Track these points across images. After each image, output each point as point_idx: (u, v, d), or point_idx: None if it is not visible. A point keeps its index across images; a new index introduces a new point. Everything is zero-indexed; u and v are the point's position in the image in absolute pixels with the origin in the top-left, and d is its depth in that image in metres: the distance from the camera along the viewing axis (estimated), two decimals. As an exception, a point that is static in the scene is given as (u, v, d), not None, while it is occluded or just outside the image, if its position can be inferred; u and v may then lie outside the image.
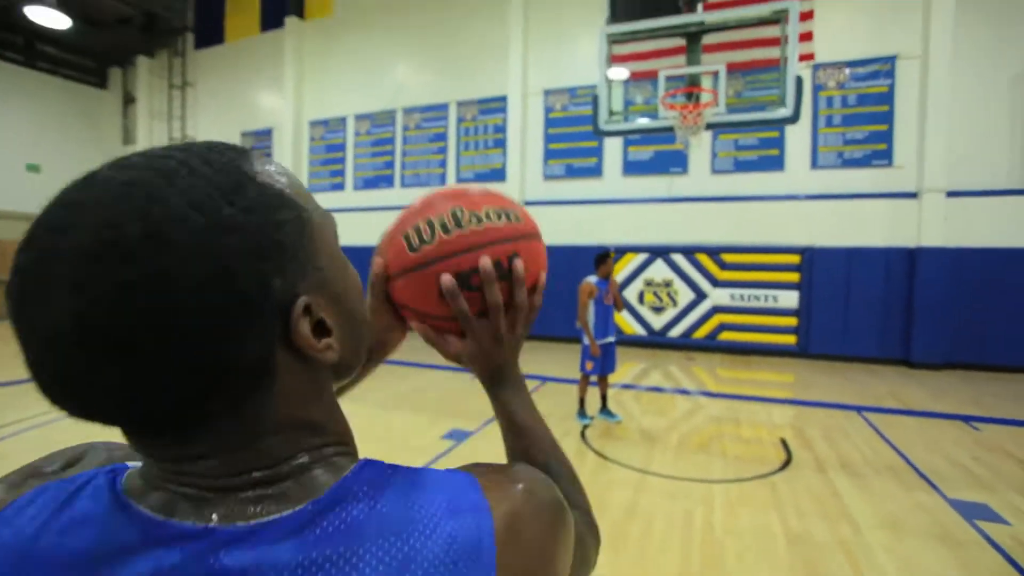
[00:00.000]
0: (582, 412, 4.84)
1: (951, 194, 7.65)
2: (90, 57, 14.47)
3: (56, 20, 10.32)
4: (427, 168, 11.00)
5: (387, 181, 11.38)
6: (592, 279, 4.64)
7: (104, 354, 0.30)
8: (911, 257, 7.80)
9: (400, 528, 0.34)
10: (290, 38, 12.03)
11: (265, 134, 12.76)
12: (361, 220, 11.55)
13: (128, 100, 14.85)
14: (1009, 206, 7.47)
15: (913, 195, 7.86)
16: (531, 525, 0.39)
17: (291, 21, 12.02)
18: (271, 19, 12.43)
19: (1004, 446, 4.38)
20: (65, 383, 0.32)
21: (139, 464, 0.39)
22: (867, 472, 3.80)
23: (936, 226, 7.66)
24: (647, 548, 2.75)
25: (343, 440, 0.41)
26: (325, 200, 12.04)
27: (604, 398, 4.93)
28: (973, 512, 3.16)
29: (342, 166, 11.87)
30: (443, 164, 10.82)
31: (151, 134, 14.31)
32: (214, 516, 0.34)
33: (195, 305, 0.31)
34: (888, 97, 8.03)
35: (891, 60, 7.98)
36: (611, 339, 4.79)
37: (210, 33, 13.48)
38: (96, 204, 0.31)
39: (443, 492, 0.37)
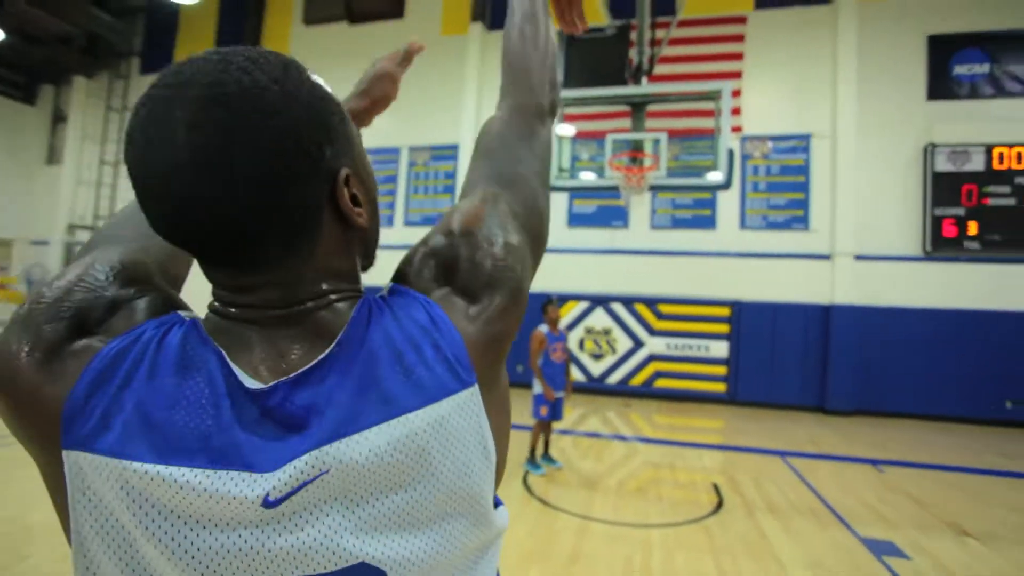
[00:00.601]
0: (533, 461, 4.81)
1: (859, 257, 8.53)
2: (20, 72, 13.74)
3: (-13, 33, 9.82)
4: (380, 210, 11.03)
5: (335, 218, 11.30)
6: (543, 329, 4.70)
7: (211, 181, 0.41)
8: (826, 313, 8.55)
9: (399, 333, 0.47)
10: (243, 71, 11.96)
11: (208, 164, 12.42)
12: (306, 256, 11.39)
13: (58, 119, 14.11)
14: (905, 270, 8.40)
15: (827, 257, 8.69)
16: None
17: (245, 55, 11.99)
18: (224, 51, 12.34)
19: (904, 486, 4.81)
20: (179, 207, 0.42)
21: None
22: (791, 514, 4.07)
23: (847, 286, 8.48)
24: (590, 591, 2.83)
25: (358, 288, 0.53)
26: (268, 234, 11.78)
27: (547, 444, 4.99)
28: (881, 549, 3.46)
29: (289, 201, 11.70)
30: (391, 206, 10.92)
31: (80, 155, 13.59)
32: (282, 366, 0.46)
33: (274, 150, 0.42)
34: (805, 169, 8.96)
35: (806, 137, 8.96)
36: (560, 395, 4.82)
37: (159, 59, 13.17)
38: (201, 71, 0.42)
39: (420, 307, 0.49)
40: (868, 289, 8.45)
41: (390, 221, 10.87)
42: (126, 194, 13.22)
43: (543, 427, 4.86)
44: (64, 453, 0.41)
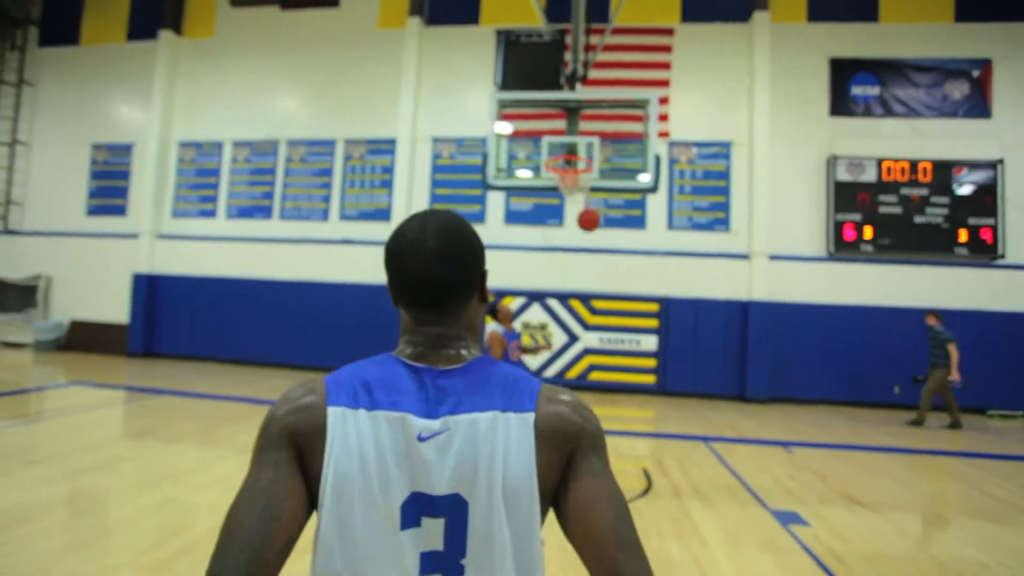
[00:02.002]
0: None
1: (772, 257, 9.27)
2: None
3: None
4: (309, 202, 10.74)
5: (265, 212, 10.88)
6: (498, 329, 4.53)
7: (446, 278, 0.78)
8: (744, 309, 9.23)
9: (499, 375, 0.78)
10: (163, 52, 11.23)
11: (123, 149, 11.57)
12: (234, 250, 10.88)
13: (-61, 93, 12.60)
14: (812, 270, 9.23)
15: (745, 256, 9.38)
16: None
17: (165, 35, 11.27)
18: (141, 29, 11.53)
19: (810, 464, 5.36)
20: (426, 281, 0.77)
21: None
22: (712, 493, 4.43)
23: (762, 283, 9.20)
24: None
25: (477, 344, 0.86)
26: (192, 227, 11.16)
27: None
28: (787, 519, 3.86)
29: (215, 191, 11.13)
30: (327, 199, 10.65)
31: (-32, 135, 12.22)
32: (433, 360, 0.79)
33: (472, 259, 0.80)
34: (725, 174, 9.61)
35: (727, 145, 9.61)
36: None
37: (60, 31, 12.09)
38: (438, 220, 0.80)
39: (519, 372, 0.81)
40: (780, 287, 9.21)
41: (325, 215, 10.61)
42: (24, 178, 12.02)
43: None
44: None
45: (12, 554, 2.94)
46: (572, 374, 9.57)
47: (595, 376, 9.52)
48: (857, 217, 9.20)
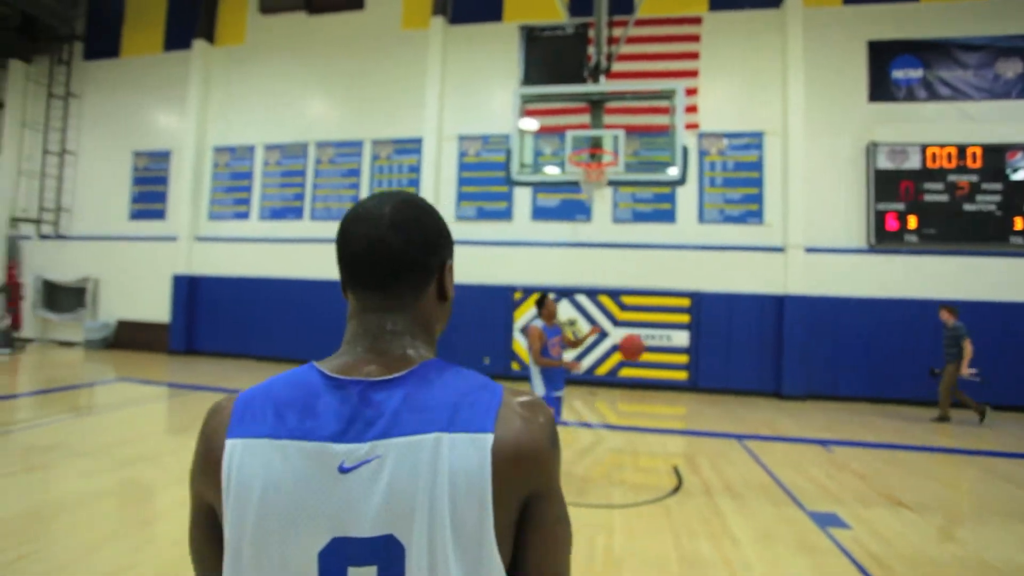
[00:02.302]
0: None
1: (809, 250, 8.96)
2: (-51, 56, 12.90)
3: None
4: (339, 202, 10.91)
5: (296, 212, 11.11)
6: (539, 324, 4.44)
7: (397, 245, 0.68)
8: (780, 303, 8.96)
9: (449, 384, 0.64)
10: (197, 61, 11.59)
11: (162, 155, 11.99)
12: (267, 251, 11.16)
13: (-5, 107, 13.31)
14: (851, 262, 8.88)
15: (780, 249, 9.09)
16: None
17: (199, 44, 11.61)
18: (176, 39, 11.92)
19: (850, 464, 5.15)
20: (375, 249, 0.67)
21: None
22: (745, 492, 4.31)
23: (798, 277, 8.90)
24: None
25: (432, 347, 0.73)
26: (228, 229, 11.49)
27: None
28: (825, 520, 3.72)
29: (248, 194, 11.43)
30: (355, 199, 10.79)
31: (21, 144, 12.89)
32: (366, 371, 0.65)
33: (432, 237, 0.72)
34: (758, 165, 9.33)
35: (759, 135, 9.32)
36: (560, 393, 4.56)
37: (103, 45, 12.60)
38: (390, 195, 0.72)
39: (477, 378, 0.67)
40: (818, 280, 8.89)
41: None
42: (72, 186, 12.61)
43: None
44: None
45: (58, 541, 3.08)
46: (602, 370, 9.47)
47: (625, 372, 9.39)
48: (900, 206, 8.80)
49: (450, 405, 0.61)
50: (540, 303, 4.51)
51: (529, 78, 5.90)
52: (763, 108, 9.35)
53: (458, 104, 10.45)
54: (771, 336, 8.97)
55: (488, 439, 0.59)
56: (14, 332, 11.82)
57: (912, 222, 8.75)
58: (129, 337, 11.91)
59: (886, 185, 8.82)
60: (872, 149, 8.84)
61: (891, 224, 8.79)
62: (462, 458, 0.58)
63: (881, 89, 9.08)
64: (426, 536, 0.56)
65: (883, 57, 9.08)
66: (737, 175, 9.38)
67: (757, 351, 9.03)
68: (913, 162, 8.79)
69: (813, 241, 8.97)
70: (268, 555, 0.57)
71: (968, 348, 7.19)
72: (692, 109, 9.31)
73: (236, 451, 0.60)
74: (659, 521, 3.71)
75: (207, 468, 0.62)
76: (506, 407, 0.63)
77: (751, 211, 9.30)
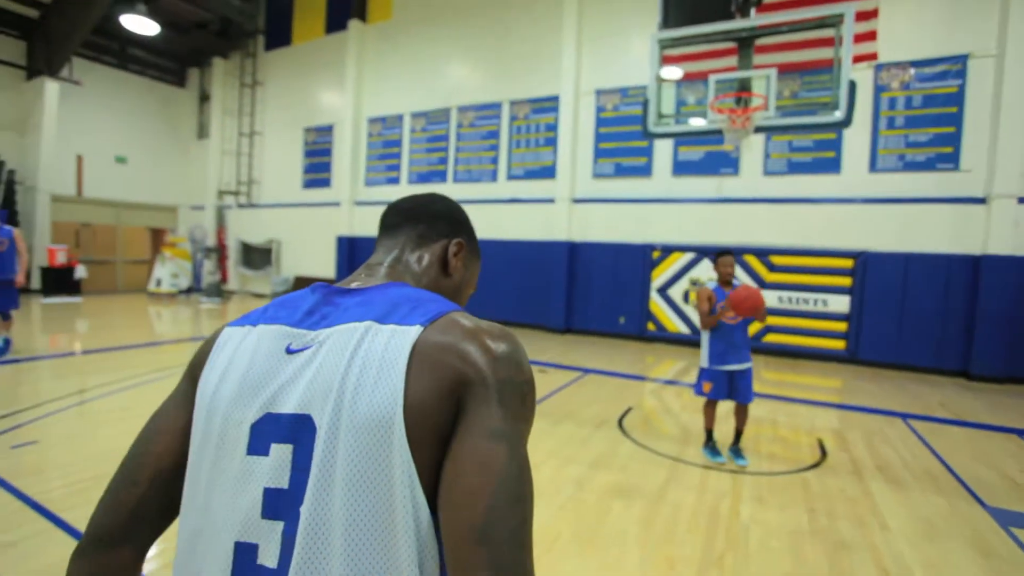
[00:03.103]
0: (709, 444, 4.13)
1: (1023, 200, 7.29)
2: (172, 59, 15.62)
3: (146, 27, 11.25)
4: (479, 164, 11.32)
5: (440, 176, 11.78)
6: (710, 285, 4.02)
7: (416, 203, 0.85)
8: (975, 265, 7.49)
9: (405, 294, 0.68)
10: (352, 40, 12.62)
11: (326, 130, 13.44)
12: (414, 214, 12.07)
13: (203, 98, 15.93)
14: (1087, 214, 7.05)
15: (981, 200, 7.53)
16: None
17: (354, 24, 12.62)
18: (335, 22, 13.08)
19: (1056, 461, 4.26)
20: (398, 208, 0.85)
21: None
22: (905, 477, 3.81)
23: (1004, 233, 7.32)
24: (675, 528, 2.93)
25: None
26: (381, 193, 12.60)
27: (737, 433, 4.13)
28: (1010, 519, 3.16)
29: (398, 160, 12.38)
30: (495, 160, 11.12)
31: (223, 129, 15.31)
32: (353, 284, 0.73)
33: (453, 214, 0.86)
34: (958, 98, 7.71)
35: (962, 59, 7.66)
36: (734, 367, 3.96)
37: (279, 36, 14.29)
38: (420, 195, 0.87)
39: (439, 298, 0.69)
40: (1033, 237, 7.24)
41: (494, 176, 11.12)
42: (260, 161, 14.74)
43: (710, 406, 4.14)
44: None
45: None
46: (744, 336, 8.82)
47: (771, 338, 8.65)
48: None
49: (393, 304, 0.63)
50: (716, 258, 4.05)
51: (668, 21, 5.48)
52: (968, 27, 7.63)
53: (595, 57, 10.10)
54: (960, 304, 7.57)
55: (413, 331, 0.58)
56: (223, 285, 14.41)
57: None
58: (307, 291, 13.84)
59: None
60: None
61: None
62: (383, 345, 0.57)
63: None
64: (334, 417, 0.55)
65: None
66: (926, 112, 7.86)
67: (939, 321, 7.71)
68: None
69: (1030, 189, 7.27)
70: (216, 421, 0.61)
71: None
72: (869, 36, 7.90)
73: (226, 335, 0.69)
74: (794, 493, 3.45)
75: (203, 352, 0.70)
76: (451, 316, 0.62)
77: (943, 154, 7.78)
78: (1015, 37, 7.25)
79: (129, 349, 7.25)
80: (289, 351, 0.62)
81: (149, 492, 0.65)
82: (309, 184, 13.89)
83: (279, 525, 0.55)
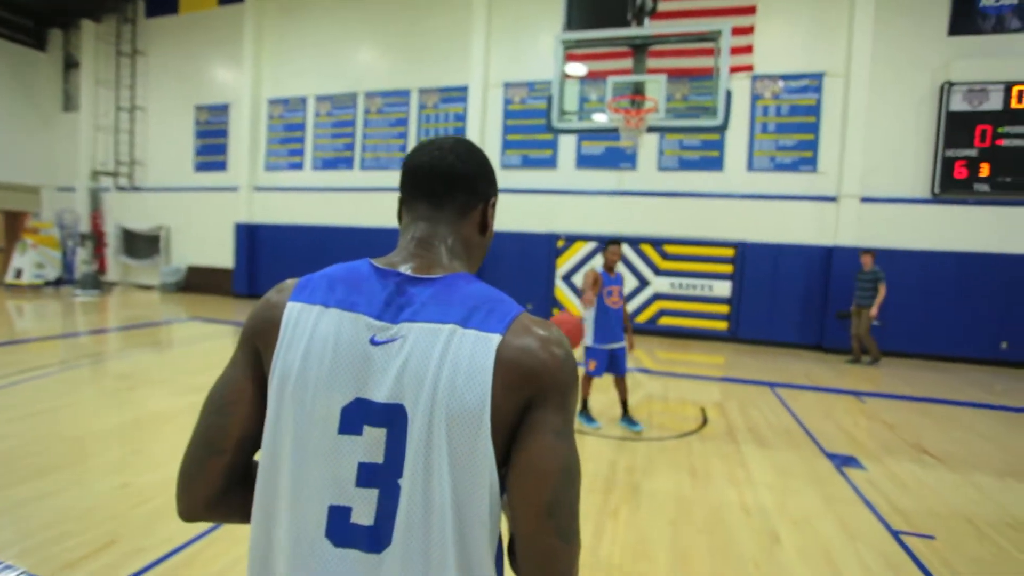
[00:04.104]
0: (586, 414, 4.59)
1: (865, 199, 8.56)
2: (27, 15, 13.73)
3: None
4: (387, 152, 11.18)
5: (347, 163, 11.48)
6: (597, 268, 4.43)
7: (454, 162, 0.80)
8: (828, 254, 8.69)
9: (474, 293, 0.72)
10: (250, 14, 11.86)
11: (221, 109, 12.55)
12: (320, 199, 11.66)
13: (69, 64, 14.19)
14: (911, 213, 8.43)
15: (833, 199, 8.73)
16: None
17: (251, -4, 11.85)
18: (230, -8, 12.20)
19: (881, 415, 5.17)
20: (436, 171, 0.79)
21: None
22: (768, 436, 4.46)
23: (850, 227, 8.56)
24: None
25: (467, 268, 0.82)
26: (283, 179, 12.03)
27: (624, 404, 4.59)
28: (842, 462, 3.85)
29: (301, 145, 11.87)
30: (403, 148, 11.03)
31: (96, 101, 13.75)
32: (406, 267, 0.76)
33: (483, 169, 0.83)
34: (815, 109, 8.85)
35: (819, 76, 8.79)
36: (614, 345, 4.45)
37: (162, 2, 13.06)
38: (453, 138, 0.84)
39: (501, 295, 0.74)
40: (872, 232, 8.53)
41: (401, 165, 11.01)
42: (143, 140, 13.44)
43: (587, 382, 4.57)
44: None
45: (156, 443, 3.65)
46: (642, 319, 9.58)
47: (665, 321, 9.47)
48: (972, 153, 8.19)
49: (470, 307, 0.69)
50: (605, 246, 4.47)
51: (572, 22, 5.80)
52: (826, 47, 8.76)
53: (504, 51, 10.32)
54: (817, 288, 8.77)
55: (495, 339, 0.66)
56: (100, 275, 13.04)
57: (984, 169, 8.15)
58: (198, 281, 12.90)
59: (958, 129, 8.20)
60: (947, 89, 8.19)
61: (960, 172, 8.22)
62: (470, 349, 0.65)
63: (965, 20, 8.27)
64: (428, 411, 0.64)
65: (968, -17, 8.23)
66: (792, 120, 8.95)
67: (802, 303, 8.87)
68: (994, 102, 8.10)
69: (870, 190, 8.55)
70: (303, 401, 0.68)
71: (883, 292, 7.63)
72: (747, 49, 8.83)
73: (295, 311, 0.72)
74: (679, 455, 3.94)
75: (267, 324, 0.74)
76: (520, 320, 0.70)
77: (804, 158, 8.91)
78: (857, 63, 8.46)
79: (-11, 346, 6.47)
80: (374, 342, 0.68)
81: (236, 459, 0.76)
82: (202, 167, 12.91)
83: (374, 492, 0.66)
